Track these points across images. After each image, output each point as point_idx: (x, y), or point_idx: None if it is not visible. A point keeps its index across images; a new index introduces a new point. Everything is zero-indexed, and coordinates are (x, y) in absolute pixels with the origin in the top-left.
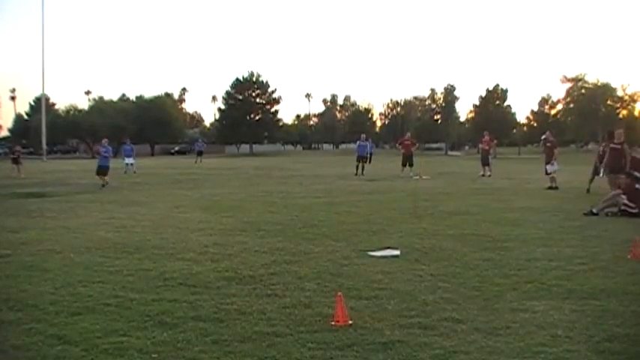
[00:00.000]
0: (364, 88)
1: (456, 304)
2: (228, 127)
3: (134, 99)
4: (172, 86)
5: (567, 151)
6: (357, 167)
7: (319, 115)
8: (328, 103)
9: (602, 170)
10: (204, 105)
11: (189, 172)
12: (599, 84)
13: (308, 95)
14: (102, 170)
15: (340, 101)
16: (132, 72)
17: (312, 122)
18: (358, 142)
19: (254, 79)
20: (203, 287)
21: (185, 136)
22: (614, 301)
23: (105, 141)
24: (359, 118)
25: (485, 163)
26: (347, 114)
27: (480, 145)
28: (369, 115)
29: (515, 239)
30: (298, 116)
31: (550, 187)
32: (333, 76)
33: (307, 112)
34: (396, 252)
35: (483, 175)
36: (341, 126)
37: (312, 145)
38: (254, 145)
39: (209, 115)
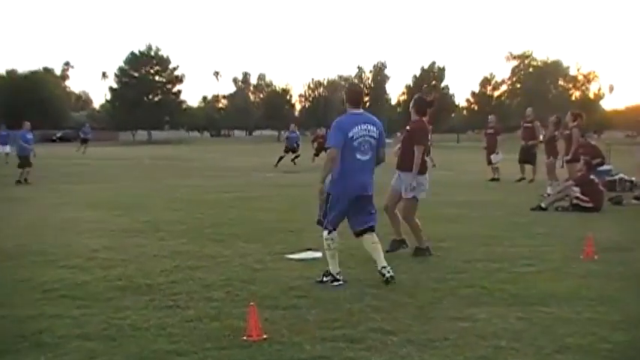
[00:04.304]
0: (281, 66)
1: (386, 313)
2: (122, 110)
3: (4, 73)
4: (53, 60)
5: (512, 138)
6: (281, 159)
7: (229, 97)
8: (240, 83)
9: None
10: (93, 83)
11: (76, 163)
12: (549, 62)
13: (216, 73)
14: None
15: (254, 80)
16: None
17: (221, 105)
18: (287, 133)
19: (152, 53)
20: (91, 299)
21: (70, 119)
22: (566, 308)
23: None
24: (275, 100)
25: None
26: (261, 95)
27: None
28: (287, 97)
29: (453, 238)
30: (205, 98)
31: (493, 179)
32: (245, 51)
33: (215, 93)
34: (318, 254)
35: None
36: (255, 109)
37: (222, 132)
38: (153, 132)
39: (99, 95)
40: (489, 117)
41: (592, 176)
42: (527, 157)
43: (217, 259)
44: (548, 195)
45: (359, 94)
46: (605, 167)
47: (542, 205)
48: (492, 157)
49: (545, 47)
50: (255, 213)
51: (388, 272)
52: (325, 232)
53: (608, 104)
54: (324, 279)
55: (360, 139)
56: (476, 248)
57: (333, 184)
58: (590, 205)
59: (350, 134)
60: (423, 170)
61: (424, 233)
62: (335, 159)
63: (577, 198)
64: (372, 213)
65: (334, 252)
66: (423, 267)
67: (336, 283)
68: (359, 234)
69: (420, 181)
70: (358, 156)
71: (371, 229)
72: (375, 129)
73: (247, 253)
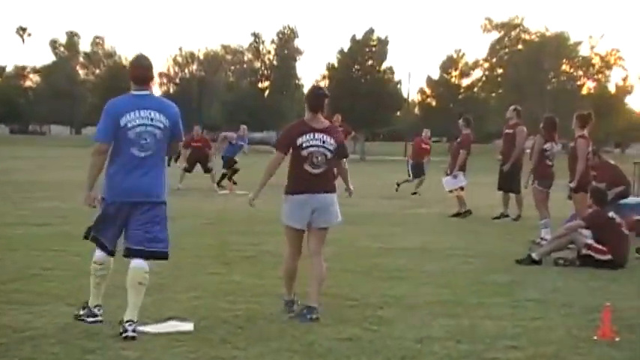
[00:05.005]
0: (131, 27)
1: None
2: None
3: None
4: None
5: (489, 151)
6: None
7: (44, 70)
8: (61, 48)
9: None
10: None
11: None
12: (548, 35)
13: (22, 31)
14: None
15: (85, 47)
16: None
17: (30, 83)
18: (235, 140)
19: None
20: None
21: None
22: None
23: None
24: (120, 79)
25: (421, 172)
26: (97, 71)
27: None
28: None
29: (398, 304)
30: (2, 70)
31: (458, 214)
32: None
33: (21, 64)
34: (188, 326)
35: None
36: (87, 93)
37: (31, 127)
38: None
39: None
40: (460, 120)
41: (611, 213)
42: (508, 182)
43: (23, 332)
44: (543, 240)
45: (145, 69)
46: (631, 200)
47: (535, 256)
48: (445, 181)
49: (543, 12)
50: (88, 259)
51: (131, 329)
52: (95, 254)
53: (638, 103)
54: (81, 312)
55: (139, 129)
56: (432, 320)
57: (105, 186)
58: (607, 257)
59: (123, 121)
60: (301, 188)
61: (294, 288)
62: (101, 156)
63: (588, 246)
64: (155, 231)
65: (100, 281)
66: (352, 349)
67: (92, 319)
68: (127, 255)
69: (295, 204)
70: (135, 151)
71: (143, 254)
72: (163, 117)
73: (74, 324)
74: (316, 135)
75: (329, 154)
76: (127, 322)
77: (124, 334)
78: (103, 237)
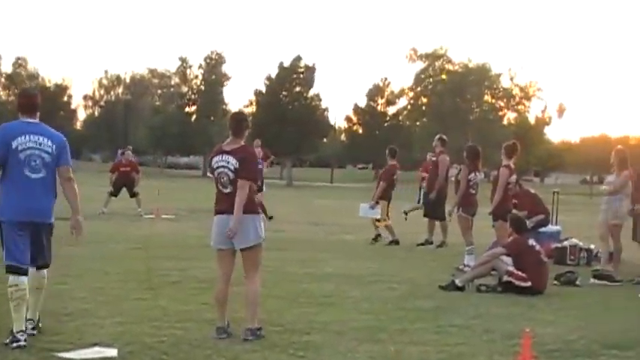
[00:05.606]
0: (55, 49)
1: None
2: None
3: None
4: None
5: (414, 179)
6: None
7: None
8: None
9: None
10: None
11: None
12: (471, 66)
13: None
14: None
15: (6, 67)
16: None
17: None
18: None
19: None
20: None
21: None
22: None
23: None
24: (44, 101)
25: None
26: (17, 90)
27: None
28: (65, 98)
29: (325, 329)
30: None
31: (377, 238)
32: None
33: None
34: (112, 352)
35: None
36: (8, 114)
37: None
38: None
39: None
40: (386, 151)
41: (530, 241)
42: (433, 209)
43: None
44: (466, 267)
45: (31, 98)
46: (550, 228)
47: (458, 282)
48: (361, 207)
49: (467, 44)
50: (5, 283)
51: (24, 339)
52: (9, 278)
53: (556, 133)
54: (7, 341)
55: (29, 152)
56: (357, 345)
57: (1, 206)
58: (527, 284)
59: (14, 144)
60: (218, 207)
61: (226, 315)
62: None
63: (509, 273)
64: (46, 250)
65: (18, 302)
66: None
67: (15, 344)
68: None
69: (216, 223)
70: (26, 172)
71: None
72: (50, 142)
73: None
74: (223, 156)
75: (231, 175)
76: (28, 320)
77: (19, 344)
78: (14, 260)
